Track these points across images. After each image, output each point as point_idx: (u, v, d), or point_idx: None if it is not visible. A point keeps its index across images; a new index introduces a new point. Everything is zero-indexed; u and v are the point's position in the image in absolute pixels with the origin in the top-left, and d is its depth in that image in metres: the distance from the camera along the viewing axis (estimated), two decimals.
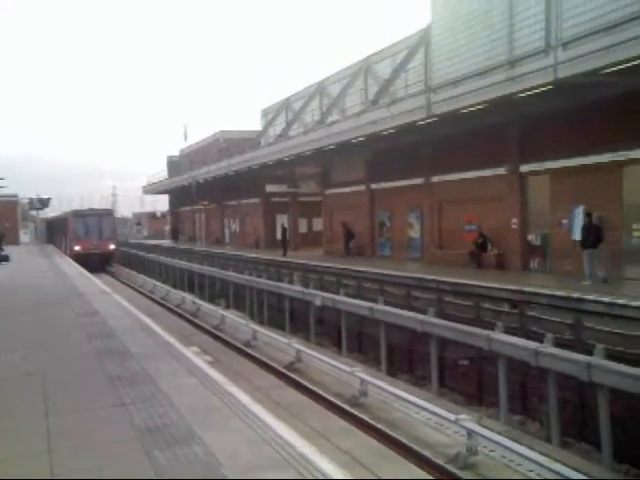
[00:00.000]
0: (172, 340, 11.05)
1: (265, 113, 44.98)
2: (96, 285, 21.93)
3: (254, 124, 48.80)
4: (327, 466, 5.12)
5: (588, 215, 17.35)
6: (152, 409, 6.74)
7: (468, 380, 13.94)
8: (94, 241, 40.22)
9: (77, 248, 39.98)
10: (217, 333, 18.37)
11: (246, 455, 5.38)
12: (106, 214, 43.80)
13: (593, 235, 16.88)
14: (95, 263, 37.50)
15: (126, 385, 7.77)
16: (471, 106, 18.36)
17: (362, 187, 30.64)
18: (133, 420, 6.40)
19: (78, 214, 42.62)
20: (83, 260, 35.47)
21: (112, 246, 41.68)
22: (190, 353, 10.09)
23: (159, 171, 66.18)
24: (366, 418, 10.03)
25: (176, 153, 65.98)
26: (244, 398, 7.27)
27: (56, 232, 56.28)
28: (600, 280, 16.29)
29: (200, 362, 9.38)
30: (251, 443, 5.70)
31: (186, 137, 59.39)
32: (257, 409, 6.81)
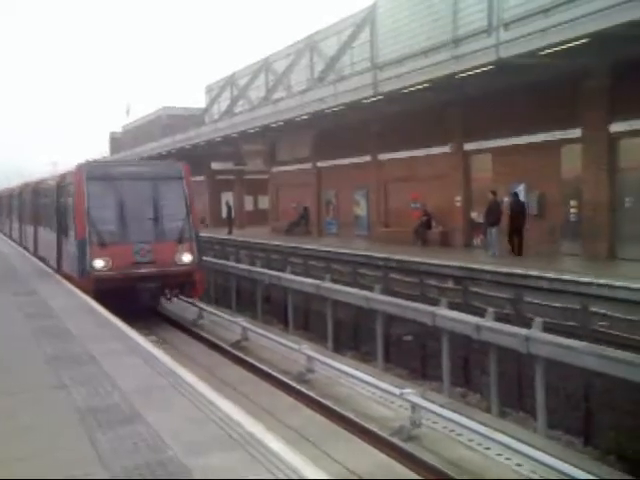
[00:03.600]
0: (115, 320, 10.84)
1: (209, 89, 44.20)
2: None
3: (199, 100, 47.94)
4: (274, 443, 5.14)
5: (494, 194, 18.06)
6: (93, 390, 6.62)
7: (413, 355, 14.23)
8: (142, 244, 15.21)
9: (99, 264, 14.90)
10: (162, 313, 18.15)
11: (191, 434, 5.35)
12: (170, 176, 16.38)
13: (498, 213, 17.95)
14: (146, 298, 15.60)
15: (66, 366, 7.60)
16: (416, 84, 18.51)
17: (309, 165, 30.58)
18: (73, 402, 6.27)
19: (100, 173, 16.01)
20: (115, 294, 13.88)
21: (188, 256, 15.58)
22: (134, 333, 9.93)
23: (101, 148, 64.42)
24: (313, 394, 10.13)
25: (119, 129, 64.31)
26: (189, 377, 7.21)
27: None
28: (497, 255, 17.48)
29: (144, 342, 9.25)
30: (197, 422, 5.66)
31: (128, 113, 57.84)
32: (203, 388, 6.77)
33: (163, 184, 15.94)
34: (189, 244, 15.58)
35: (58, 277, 16.63)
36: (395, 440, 8.16)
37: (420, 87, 18.58)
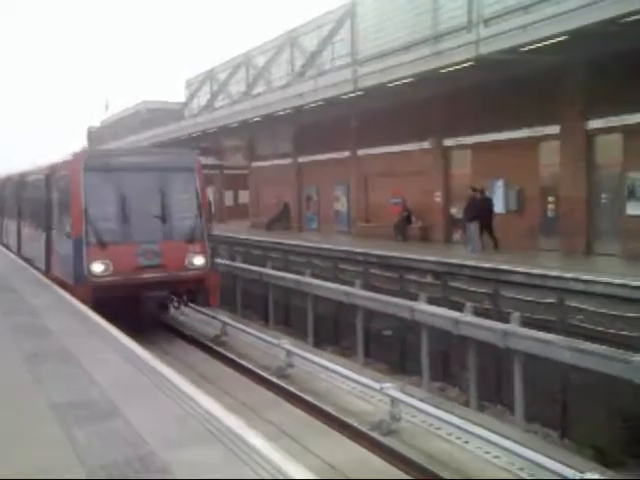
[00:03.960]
0: (94, 316, 10.75)
1: (189, 84, 43.93)
2: None
3: (179, 95, 47.63)
4: (254, 438, 5.14)
5: (473, 190, 18.16)
6: (71, 386, 6.56)
7: (393, 350, 14.31)
8: (147, 245, 13.34)
9: (98, 269, 12.97)
10: None
11: (171, 430, 5.32)
12: (180, 166, 14.31)
13: (477, 209, 17.82)
14: (153, 308, 13.97)
15: (44, 362, 7.52)
16: (397, 80, 18.55)
17: (289, 160, 30.53)
18: (50, 398, 6.21)
19: (99, 163, 13.75)
20: (117, 304, 12.06)
21: (200, 259, 13.72)
22: (113, 329, 9.85)
23: (78, 143, 63.66)
24: (292, 389, 10.15)
25: (97, 124, 63.60)
26: (169, 373, 7.17)
27: None
28: (477, 250, 17.30)
29: (124, 338, 9.17)
30: (176, 418, 5.64)
31: (107, 107, 57.26)
32: (183, 384, 6.74)
33: (172, 176, 13.95)
34: (201, 244, 13.69)
35: (33, 272, 15.77)
36: (375, 434, 8.21)
37: (400, 83, 18.62)
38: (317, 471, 5.65)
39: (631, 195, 15.26)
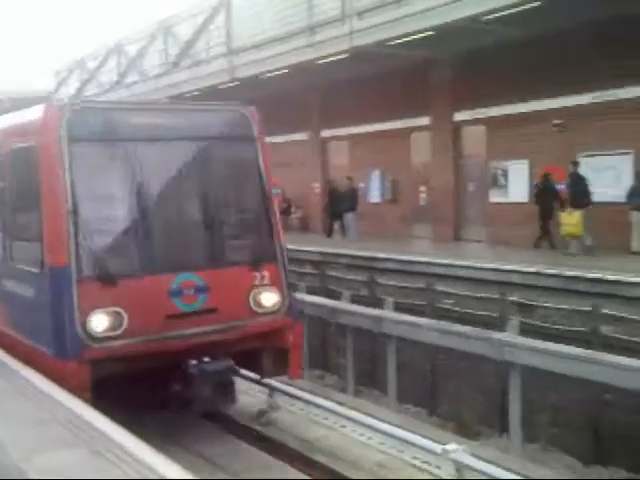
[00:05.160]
0: None
1: (58, 72, 41.57)
2: None
3: (49, 85, 44.89)
4: (123, 438, 4.97)
5: (349, 179, 18.80)
6: None
7: None
8: (186, 275, 7.00)
9: (101, 325, 6.50)
10: None
11: (33, 436, 5.04)
12: (232, 133, 7.93)
13: (354, 199, 18.45)
14: (209, 395, 7.14)
15: None
16: (274, 71, 18.56)
17: None
18: None
19: (95, 129, 6.81)
20: (137, 389, 6.92)
21: (273, 296, 7.54)
22: None
23: None
24: None
25: None
26: (34, 378, 6.75)
27: None
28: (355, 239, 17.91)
29: None
30: (40, 423, 5.34)
31: None
32: (48, 386, 6.38)
33: (221, 149, 8.05)
34: (274, 270, 7.79)
35: None
36: (253, 425, 8.22)
37: (278, 73, 18.63)
38: (193, 466, 5.56)
39: (494, 183, 16.27)
